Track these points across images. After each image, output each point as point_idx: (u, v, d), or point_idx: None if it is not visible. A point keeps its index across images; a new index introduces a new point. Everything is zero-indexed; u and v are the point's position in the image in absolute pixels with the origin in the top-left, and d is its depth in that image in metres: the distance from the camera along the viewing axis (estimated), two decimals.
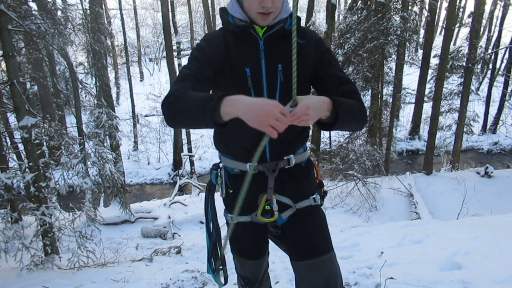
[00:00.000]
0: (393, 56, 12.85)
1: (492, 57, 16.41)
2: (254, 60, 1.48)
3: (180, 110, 1.32)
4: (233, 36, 1.51)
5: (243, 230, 1.72)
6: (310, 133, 10.08)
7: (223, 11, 1.55)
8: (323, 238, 1.64)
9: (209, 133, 16.76)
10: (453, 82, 14.10)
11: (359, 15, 11.67)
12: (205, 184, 1.84)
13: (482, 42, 17.83)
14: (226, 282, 1.85)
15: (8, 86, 5.19)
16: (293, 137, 1.59)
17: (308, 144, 6.74)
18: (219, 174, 1.71)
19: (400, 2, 11.74)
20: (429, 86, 14.86)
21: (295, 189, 1.63)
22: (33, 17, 6.18)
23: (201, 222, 8.68)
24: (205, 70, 1.46)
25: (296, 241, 1.65)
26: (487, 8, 18.14)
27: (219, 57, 1.49)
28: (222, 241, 1.79)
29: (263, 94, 1.50)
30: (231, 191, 1.68)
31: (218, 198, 1.74)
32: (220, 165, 1.73)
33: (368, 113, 12.48)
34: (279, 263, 3.73)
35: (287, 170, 1.60)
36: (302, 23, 1.88)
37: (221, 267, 1.82)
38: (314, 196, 1.66)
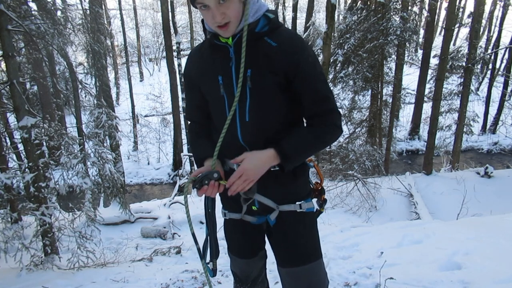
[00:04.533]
0: (393, 56, 12.85)
1: (492, 57, 16.42)
2: (225, 68, 1.51)
3: (191, 149, 1.77)
4: (209, 46, 1.56)
5: (234, 227, 1.79)
6: None
7: (203, 22, 1.55)
8: (308, 248, 1.63)
9: None
10: (453, 82, 14.10)
11: (359, 15, 11.68)
12: None
13: (482, 42, 17.85)
14: (215, 274, 1.87)
15: (8, 86, 5.17)
16: (275, 141, 1.53)
17: None
18: None
19: (400, 2, 11.76)
20: (429, 86, 14.86)
21: (278, 192, 1.61)
22: (33, 17, 6.18)
23: (201, 222, 8.64)
24: (198, 99, 1.67)
25: (279, 247, 1.68)
26: (487, 8, 18.21)
27: (197, 74, 1.61)
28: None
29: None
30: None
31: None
32: None
33: (367, 113, 12.56)
34: None
35: (273, 172, 1.55)
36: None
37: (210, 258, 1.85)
38: (301, 202, 1.61)
